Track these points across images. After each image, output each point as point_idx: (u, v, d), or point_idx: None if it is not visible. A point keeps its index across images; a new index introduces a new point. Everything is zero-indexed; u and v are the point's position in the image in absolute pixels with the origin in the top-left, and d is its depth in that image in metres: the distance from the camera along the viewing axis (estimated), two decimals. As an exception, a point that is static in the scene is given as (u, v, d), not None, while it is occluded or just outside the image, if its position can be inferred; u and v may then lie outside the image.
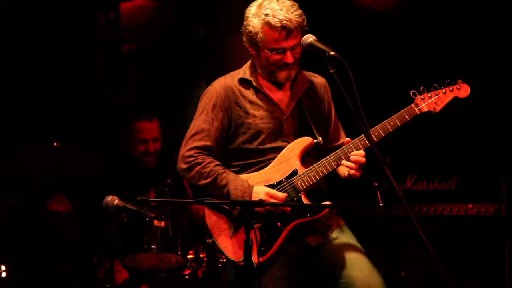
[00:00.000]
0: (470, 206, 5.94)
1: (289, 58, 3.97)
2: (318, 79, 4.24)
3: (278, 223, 3.97)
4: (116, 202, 3.63)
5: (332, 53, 3.76)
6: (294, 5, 4.00)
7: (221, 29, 7.28)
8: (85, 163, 5.99)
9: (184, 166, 4.07)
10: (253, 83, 4.11)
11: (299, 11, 3.98)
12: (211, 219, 4.06)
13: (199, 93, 7.63)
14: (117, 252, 5.62)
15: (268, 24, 3.93)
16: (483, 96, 5.59)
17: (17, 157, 5.70)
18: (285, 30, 3.92)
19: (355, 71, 3.79)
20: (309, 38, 3.91)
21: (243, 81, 4.14)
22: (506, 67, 6.31)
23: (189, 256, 5.70)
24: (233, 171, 4.07)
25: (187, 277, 5.69)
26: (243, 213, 3.48)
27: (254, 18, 3.99)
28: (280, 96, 4.11)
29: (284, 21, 3.91)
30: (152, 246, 5.54)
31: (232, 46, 7.22)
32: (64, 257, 5.92)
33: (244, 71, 4.15)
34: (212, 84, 4.21)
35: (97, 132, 7.14)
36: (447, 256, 5.58)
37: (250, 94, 4.11)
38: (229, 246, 4.01)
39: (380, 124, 3.99)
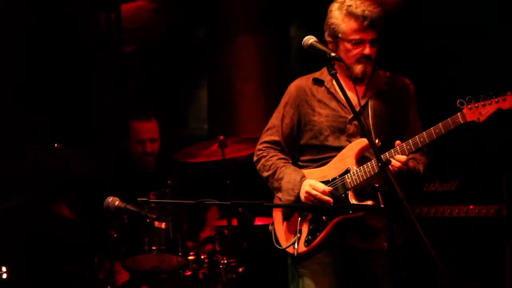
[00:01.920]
0: (471, 207, 5.94)
1: (368, 49, 4.10)
2: (399, 82, 4.33)
3: (324, 217, 4.13)
4: (117, 203, 3.62)
5: (333, 54, 3.85)
6: (375, 3, 4.16)
7: (221, 29, 7.29)
8: (86, 164, 5.98)
9: (255, 158, 4.38)
10: (325, 83, 4.25)
11: (378, 7, 4.15)
12: (275, 209, 4.34)
13: (200, 94, 7.74)
14: (118, 253, 5.61)
15: (350, 14, 4.11)
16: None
17: (17, 158, 5.69)
18: (366, 20, 4.08)
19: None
20: (310, 39, 3.95)
21: (316, 81, 4.29)
22: (505, 68, 6.31)
23: (190, 257, 5.70)
24: (301, 166, 4.29)
25: (188, 278, 5.68)
26: (244, 213, 3.52)
27: (336, 11, 4.16)
28: (350, 95, 4.06)
29: (366, 11, 4.09)
30: (153, 247, 5.54)
31: (232, 46, 7.23)
32: (65, 258, 5.92)
33: (322, 72, 4.30)
34: (291, 83, 4.39)
35: (97, 133, 7.13)
36: (448, 257, 5.59)
37: (320, 93, 4.27)
38: (282, 234, 4.27)
39: (426, 131, 4.04)
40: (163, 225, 5.59)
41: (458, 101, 4.09)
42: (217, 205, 4.01)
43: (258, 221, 6.09)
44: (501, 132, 6.17)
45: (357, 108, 4.10)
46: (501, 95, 4.14)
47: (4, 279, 5.24)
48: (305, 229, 4.17)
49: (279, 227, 4.29)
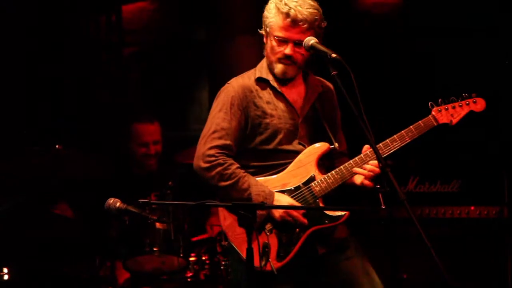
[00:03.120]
0: (472, 208, 5.94)
1: (289, 49, 3.95)
2: (328, 84, 4.21)
3: (297, 229, 3.96)
4: (118, 204, 3.62)
5: (333, 55, 3.74)
6: (313, 4, 3.98)
7: (222, 30, 7.29)
8: (86, 166, 5.99)
9: (204, 165, 4.01)
10: (271, 82, 4.08)
11: (314, 10, 3.96)
12: (226, 221, 4.04)
13: (201, 95, 7.74)
14: (119, 254, 5.62)
15: (277, 9, 3.95)
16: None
17: (18, 159, 5.70)
18: (290, 19, 3.91)
19: (355, 73, 3.80)
20: (311, 40, 3.90)
21: (260, 80, 4.10)
22: (505, 69, 6.32)
23: (191, 259, 5.70)
24: (249, 173, 4.03)
25: (189, 279, 5.69)
26: (246, 216, 3.47)
27: (271, 4, 4.01)
28: (295, 98, 4.09)
29: (292, 10, 3.91)
30: (154, 249, 5.54)
31: (233, 47, 7.23)
32: (66, 259, 5.92)
33: (260, 70, 4.12)
34: (229, 82, 4.16)
35: (98, 134, 7.14)
36: (449, 258, 5.57)
37: (266, 94, 4.08)
38: (244, 249, 3.89)
39: (398, 134, 4.00)
40: (164, 226, 5.59)
41: (430, 103, 4.07)
42: (218, 206, 3.98)
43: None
44: (502, 134, 6.20)
45: (304, 111, 4.08)
46: (472, 96, 4.13)
47: (5, 280, 5.25)
48: (273, 243, 3.95)
49: (239, 242, 3.95)
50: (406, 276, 5.90)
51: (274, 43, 3.98)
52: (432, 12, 6.69)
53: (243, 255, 3.85)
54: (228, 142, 4.01)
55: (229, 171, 3.97)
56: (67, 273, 5.91)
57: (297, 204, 3.97)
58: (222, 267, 5.64)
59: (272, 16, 3.98)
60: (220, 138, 4.01)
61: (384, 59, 6.89)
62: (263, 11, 4.07)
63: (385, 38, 6.94)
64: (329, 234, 4.05)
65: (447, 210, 5.99)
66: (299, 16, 3.91)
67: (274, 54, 4.01)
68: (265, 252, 3.88)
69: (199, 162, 4.03)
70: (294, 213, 3.93)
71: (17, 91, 6.79)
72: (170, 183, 5.75)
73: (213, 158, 4.00)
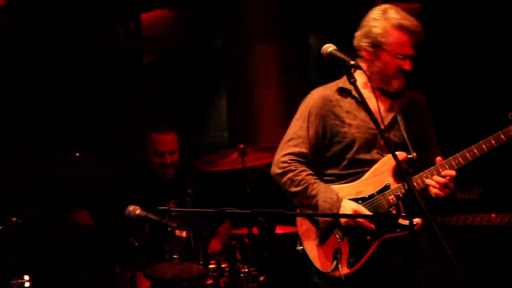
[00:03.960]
0: (493, 215, 5.89)
1: (408, 65, 3.98)
2: (419, 96, 4.22)
3: (368, 237, 3.96)
4: (138, 212, 3.63)
5: (352, 62, 3.75)
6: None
7: (240, 38, 7.30)
8: (106, 173, 6.01)
9: (278, 171, 4.12)
10: (352, 92, 4.08)
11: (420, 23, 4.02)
12: (302, 227, 4.12)
13: (219, 102, 7.75)
14: (139, 262, 5.62)
15: (400, 26, 3.95)
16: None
17: (38, 167, 5.73)
18: (415, 36, 3.96)
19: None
20: (329, 47, 3.87)
21: (342, 90, 4.12)
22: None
23: (211, 266, 5.70)
24: (325, 181, 4.08)
25: (209, 287, 5.68)
26: (265, 224, 3.49)
27: (381, 21, 3.99)
28: (377, 108, 4.02)
29: (415, 26, 3.96)
30: (174, 256, 5.53)
31: (251, 55, 7.24)
32: (86, 267, 5.94)
33: (344, 81, 4.09)
34: (311, 92, 4.21)
35: (117, 142, 7.17)
36: (470, 266, 5.54)
37: (347, 103, 4.10)
38: (316, 255, 4.06)
39: (475, 145, 3.95)
40: (184, 234, 5.58)
41: (510, 113, 3.97)
42: (238, 213, 3.98)
43: (279, 230, 6.08)
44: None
45: (386, 121, 4.06)
46: None
47: (27, 287, 5.27)
48: (345, 249, 3.99)
49: (311, 247, 4.08)
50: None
51: (390, 59, 3.98)
52: (452, 18, 6.66)
53: (314, 260, 4.05)
54: (303, 150, 4.10)
55: (299, 177, 4.06)
56: (87, 281, 5.93)
57: (364, 211, 3.95)
58: (242, 275, 5.63)
59: (387, 33, 3.98)
60: (295, 146, 4.11)
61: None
62: (367, 25, 4.04)
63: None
64: (405, 246, 4.00)
65: (467, 217, 5.94)
66: (420, 34, 3.99)
67: (391, 70, 4.00)
68: (336, 258, 3.95)
69: (274, 168, 4.15)
70: (359, 219, 3.93)
71: (37, 99, 6.84)
72: (189, 190, 5.75)
73: (286, 165, 4.10)
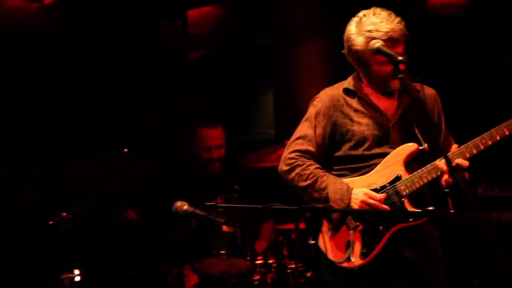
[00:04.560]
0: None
1: (401, 65, 3.90)
2: (428, 90, 4.19)
3: (380, 227, 3.97)
4: (185, 207, 3.67)
5: (400, 58, 3.78)
6: (391, 14, 3.98)
7: (287, 34, 7.29)
8: (153, 169, 6.07)
9: (285, 168, 4.14)
10: (358, 93, 4.11)
11: (398, 18, 3.97)
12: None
13: (265, 100, 7.76)
14: (187, 257, 5.66)
15: (372, 39, 3.91)
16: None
17: (86, 164, 5.80)
18: (391, 41, 3.90)
19: (426, 76, 3.77)
20: (377, 43, 3.90)
21: (347, 91, 4.14)
22: None
23: (258, 262, 5.72)
24: (336, 175, 4.09)
25: (256, 282, 5.70)
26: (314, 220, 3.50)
27: (357, 37, 3.97)
28: (386, 104, 4.08)
29: (389, 33, 3.90)
30: (221, 252, 5.56)
31: (297, 52, 7.23)
32: (134, 263, 6.00)
33: (349, 82, 4.16)
34: (319, 92, 4.24)
35: (163, 139, 7.22)
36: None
37: (354, 102, 4.11)
38: (329, 247, 4.07)
39: (487, 133, 3.92)
40: (231, 230, 5.61)
41: None
42: (284, 210, 3.99)
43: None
44: None
45: (396, 116, 4.06)
46: None
47: (77, 281, 5.34)
48: (357, 241, 3.99)
49: (324, 240, 4.10)
50: (476, 282, 5.82)
51: (380, 68, 3.95)
52: (501, 14, 6.57)
53: (327, 252, 4.06)
54: (310, 148, 4.11)
55: (307, 171, 4.07)
56: (135, 276, 5.99)
57: (375, 195, 3.95)
58: (288, 270, 5.64)
59: (365, 47, 3.94)
60: (302, 144, 4.13)
61: (451, 61, 6.80)
62: (346, 42, 4.06)
63: (454, 40, 6.85)
64: (417, 238, 4.01)
65: (507, 214, 5.87)
66: (398, 33, 3.91)
67: (385, 74, 3.97)
68: (348, 249, 3.95)
69: (281, 165, 4.17)
70: (372, 201, 3.93)
71: (84, 96, 6.92)
72: (236, 186, 5.78)
73: (293, 161, 4.12)
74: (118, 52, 7.18)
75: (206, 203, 3.61)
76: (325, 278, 4.16)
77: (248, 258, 5.59)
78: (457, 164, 3.84)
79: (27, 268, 6.07)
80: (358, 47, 3.98)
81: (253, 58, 7.71)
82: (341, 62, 7.15)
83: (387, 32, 3.90)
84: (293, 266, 5.66)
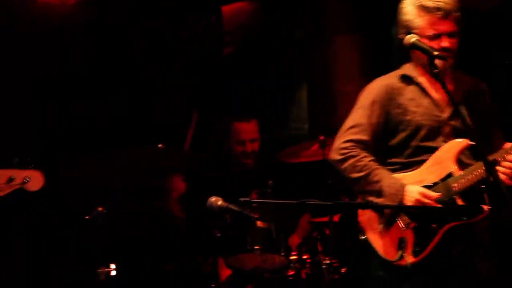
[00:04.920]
0: None
1: (445, 42, 3.92)
2: (481, 84, 4.17)
3: (433, 225, 3.92)
4: (219, 202, 3.66)
5: (436, 53, 3.77)
6: None
7: (322, 30, 7.27)
8: (187, 164, 6.09)
9: (338, 157, 4.08)
10: (414, 79, 4.07)
11: None
12: (364, 216, 4.11)
13: (300, 94, 7.74)
14: (221, 252, 5.68)
15: (423, 7, 3.93)
16: None
17: (122, 158, 5.83)
18: (441, 12, 3.90)
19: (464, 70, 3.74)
20: (412, 38, 3.89)
21: (404, 78, 4.11)
22: None
23: (292, 257, 5.71)
24: (388, 169, 4.05)
25: (290, 278, 5.70)
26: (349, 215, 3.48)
27: (409, 6, 3.98)
28: (441, 95, 4.05)
29: (439, 2, 3.90)
30: (255, 247, 5.57)
31: (332, 47, 7.21)
32: (169, 256, 6.02)
33: (406, 68, 4.13)
34: (372, 81, 4.19)
35: (198, 133, 7.23)
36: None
37: (410, 91, 4.07)
38: (380, 244, 4.04)
39: None
40: (265, 225, 5.61)
41: None
42: (319, 205, 3.97)
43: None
44: None
45: (450, 108, 4.02)
46: None
47: (113, 275, 5.38)
48: (410, 238, 3.95)
49: (375, 236, 4.08)
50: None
51: (425, 41, 3.91)
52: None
53: (378, 249, 4.03)
54: (364, 137, 4.06)
55: (361, 163, 4.02)
56: (170, 270, 6.01)
57: (430, 194, 3.89)
58: (323, 266, 5.63)
59: (414, 17, 3.95)
60: (356, 133, 4.07)
61: (487, 57, 6.72)
62: (399, 15, 4.03)
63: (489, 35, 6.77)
64: (469, 235, 3.97)
65: None
66: (449, 6, 3.91)
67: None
68: (401, 247, 3.91)
69: (333, 154, 4.12)
70: (426, 200, 3.88)
71: (120, 91, 6.96)
72: (270, 181, 5.78)
73: (346, 151, 4.06)
74: (154, 48, 7.20)
75: (241, 199, 3.61)
76: (376, 274, 4.12)
77: (282, 254, 5.59)
78: (494, 159, 3.79)
79: (64, 262, 6.12)
80: (407, 16, 3.99)
81: (288, 53, 7.69)
82: (375, 56, 7.21)
83: (436, 2, 3.90)
84: (328, 261, 5.65)
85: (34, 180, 3.77)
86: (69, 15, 6.81)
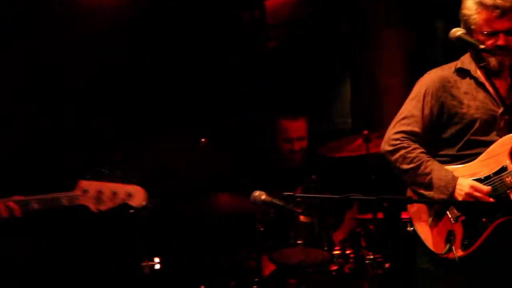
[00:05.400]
0: None
1: (501, 40, 3.87)
2: None
3: (483, 219, 3.88)
4: (263, 197, 3.67)
5: (482, 46, 3.75)
6: None
7: (365, 24, 7.24)
8: (233, 159, 6.11)
9: (388, 148, 4.07)
10: (471, 73, 4.03)
11: None
12: (413, 208, 4.08)
13: (343, 89, 7.72)
14: (265, 246, 5.69)
15: (481, 4, 3.88)
16: None
17: (169, 154, 5.87)
18: (498, 10, 3.85)
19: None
20: (458, 31, 3.86)
21: (460, 71, 4.06)
22: None
23: (335, 252, 5.70)
24: (439, 161, 4.02)
25: (333, 273, 5.69)
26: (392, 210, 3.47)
27: (469, 1, 3.94)
28: (497, 89, 3.98)
29: (498, 0, 3.85)
30: (298, 242, 5.57)
31: (376, 41, 7.17)
32: (214, 250, 6.05)
33: (462, 61, 4.08)
34: (427, 72, 4.15)
35: (245, 129, 7.25)
36: None
37: (465, 84, 4.03)
38: (429, 236, 4.01)
39: None
40: (308, 220, 5.61)
41: None
42: (362, 200, 3.96)
43: (405, 215, 6.02)
44: None
45: (507, 102, 3.94)
46: None
47: (157, 269, 5.42)
48: (458, 231, 3.90)
49: (423, 228, 4.04)
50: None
51: (482, 38, 3.88)
52: None
53: (426, 241, 3.99)
54: (416, 129, 4.03)
55: (412, 155, 4.00)
56: (214, 264, 6.04)
57: (482, 188, 3.86)
58: (366, 262, 5.61)
59: (473, 12, 3.91)
60: (408, 124, 4.04)
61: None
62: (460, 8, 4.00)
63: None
64: None
65: None
66: (508, 5, 3.86)
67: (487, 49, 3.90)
68: (449, 240, 3.86)
69: (384, 145, 4.10)
70: (477, 194, 3.85)
71: (168, 91, 7.00)
72: (314, 176, 5.77)
73: (397, 142, 4.04)
74: (199, 44, 7.23)
75: (284, 193, 3.61)
76: (424, 266, 4.09)
77: (326, 248, 5.59)
78: None
79: (109, 256, 6.19)
80: (466, 11, 3.95)
81: (331, 47, 7.66)
82: (419, 49, 7.14)
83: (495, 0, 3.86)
84: (371, 257, 5.63)
85: (137, 196, 3.76)
86: (116, 11, 6.86)
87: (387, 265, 5.67)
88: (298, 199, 5.54)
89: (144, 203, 3.79)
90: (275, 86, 7.61)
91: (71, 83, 6.27)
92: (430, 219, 4.03)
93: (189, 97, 7.05)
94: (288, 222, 5.63)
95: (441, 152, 4.08)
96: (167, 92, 6.91)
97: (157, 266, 5.44)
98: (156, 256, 5.49)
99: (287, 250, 5.60)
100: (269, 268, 5.78)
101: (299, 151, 6.19)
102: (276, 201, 3.68)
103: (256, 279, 5.70)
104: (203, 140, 5.80)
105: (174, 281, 6.01)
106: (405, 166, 4.01)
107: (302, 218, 5.59)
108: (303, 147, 6.20)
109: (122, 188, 3.76)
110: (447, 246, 3.86)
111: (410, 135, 4.04)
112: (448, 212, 3.97)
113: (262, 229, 5.72)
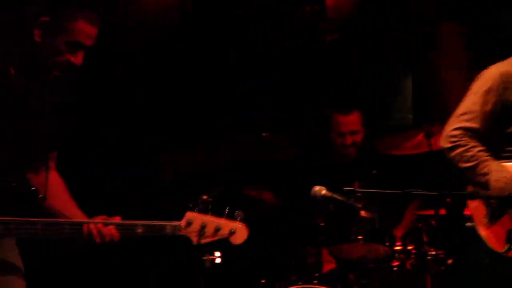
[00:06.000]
0: None
1: None
2: None
3: None
4: (323, 192, 3.67)
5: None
6: None
7: (426, 18, 7.18)
8: (292, 153, 6.12)
9: (447, 145, 4.03)
10: None
11: None
12: (473, 203, 4.05)
13: (405, 84, 7.65)
14: (325, 241, 5.69)
15: None
16: None
17: (226, 147, 5.90)
18: None
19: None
20: None
21: None
22: None
23: (397, 248, 5.66)
24: (502, 157, 3.98)
25: (395, 268, 5.65)
26: (455, 206, 3.44)
27: None
28: None
29: None
30: (359, 237, 5.55)
31: (438, 34, 7.10)
32: (273, 245, 6.07)
33: None
34: (488, 67, 4.09)
35: (302, 123, 7.25)
36: None
37: None
38: (488, 234, 3.97)
39: None
40: (369, 215, 5.58)
41: None
42: (424, 195, 3.93)
43: (468, 212, 5.93)
44: None
45: None
46: None
47: (218, 263, 5.46)
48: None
49: (483, 225, 3.99)
50: None
51: None
52: None
53: (486, 238, 3.95)
54: (475, 125, 3.97)
55: (469, 153, 3.95)
56: (273, 259, 6.06)
57: None
58: (428, 257, 5.55)
59: None
60: (467, 120, 3.99)
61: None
62: None
63: None
64: None
65: None
66: None
67: None
68: (509, 239, 3.83)
69: (443, 142, 4.06)
70: None
71: (219, 85, 7.04)
72: (374, 171, 5.74)
73: (456, 139, 4.00)
74: (256, 39, 7.26)
75: (345, 188, 3.60)
76: (484, 262, 4.05)
77: (387, 244, 5.55)
78: None
79: (169, 248, 6.25)
80: None
81: (394, 41, 7.60)
82: (480, 44, 7.04)
83: None
84: (433, 253, 5.57)
85: (239, 233, 3.79)
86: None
87: (449, 261, 5.61)
88: (359, 194, 5.55)
89: (243, 241, 3.78)
90: (334, 80, 7.59)
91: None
92: (490, 217, 3.98)
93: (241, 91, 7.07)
94: (348, 217, 5.62)
95: (506, 148, 4.02)
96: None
97: (218, 260, 5.47)
98: (216, 250, 5.52)
99: (348, 245, 5.59)
100: (329, 263, 5.77)
101: (352, 145, 6.16)
102: (336, 196, 3.67)
103: (316, 274, 5.70)
104: (264, 134, 5.82)
105: (234, 275, 6.05)
106: (463, 165, 3.99)
107: (362, 213, 5.57)
108: (356, 141, 6.16)
109: (226, 225, 3.78)
110: (507, 246, 3.83)
111: (469, 131, 3.98)
112: (508, 211, 3.92)
113: (322, 224, 5.71)
